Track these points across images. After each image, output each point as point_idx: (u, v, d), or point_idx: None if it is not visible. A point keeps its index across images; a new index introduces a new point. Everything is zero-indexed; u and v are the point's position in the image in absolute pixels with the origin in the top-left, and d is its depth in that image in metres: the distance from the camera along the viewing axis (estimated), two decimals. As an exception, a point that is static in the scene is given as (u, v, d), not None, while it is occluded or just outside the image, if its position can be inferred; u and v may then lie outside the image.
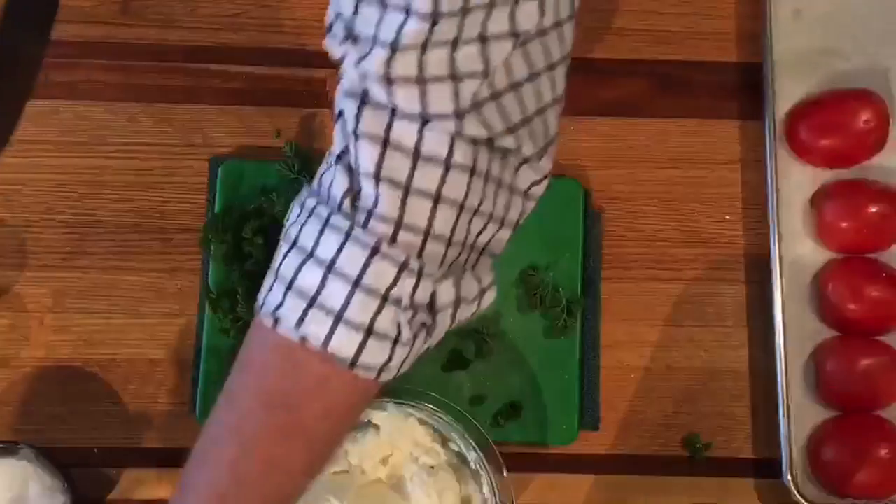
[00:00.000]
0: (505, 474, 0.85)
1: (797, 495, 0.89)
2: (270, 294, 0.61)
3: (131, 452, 0.92)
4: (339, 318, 0.59)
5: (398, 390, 0.89)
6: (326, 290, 0.59)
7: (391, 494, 0.84)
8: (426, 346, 0.63)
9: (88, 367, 0.93)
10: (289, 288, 0.60)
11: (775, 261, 0.93)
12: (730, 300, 0.96)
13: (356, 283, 0.59)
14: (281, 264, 0.62)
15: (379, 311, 0.59)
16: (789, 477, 0.90)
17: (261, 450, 0.61)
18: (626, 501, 0.93)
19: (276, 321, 0.60)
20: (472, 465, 0.86)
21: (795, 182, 0.97)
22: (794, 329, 0.93)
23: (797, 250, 0.95)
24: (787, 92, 0.98)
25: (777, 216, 0.94)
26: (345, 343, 0.59)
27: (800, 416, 0.92)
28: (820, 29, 1.00)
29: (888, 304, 0.92)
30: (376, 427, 0.86)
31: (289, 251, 0.62)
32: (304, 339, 0.60)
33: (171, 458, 0.91)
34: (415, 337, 0.61)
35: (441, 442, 0.86)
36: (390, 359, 0.61)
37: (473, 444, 0.85)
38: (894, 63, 0.99)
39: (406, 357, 0.62)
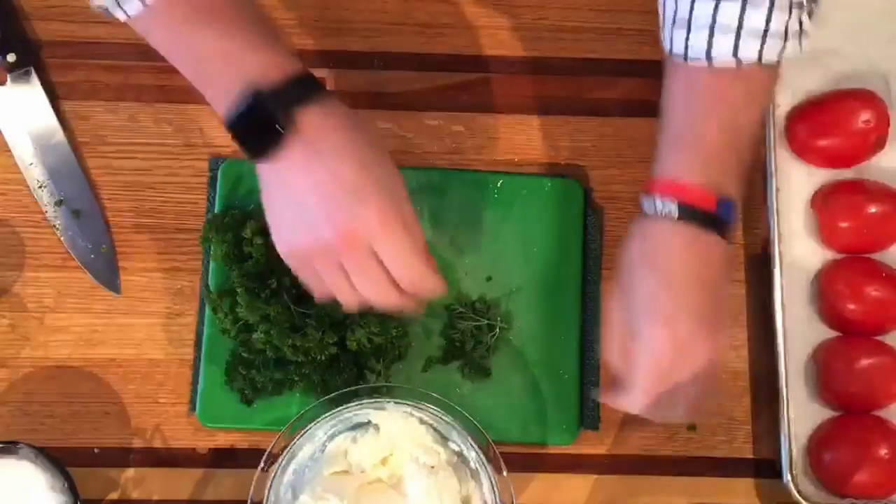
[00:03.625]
0: (505, 474, 0.85)
1: (797, 495, 0.89)
2: (693, 43, 0.79)
3: (131, 452, 0.92)
4: (765, 34, 0.78)
5: (398, 390, 0.89)
6: (746, 18, 0.78)
7: (391, 494, 0.84)
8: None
9: (88, 367, 0.93)
10: (711, 30, 0.78)
11: (775, 261, 0.93)
12: (730, 300, 0.96)
13: (771, 4, 0.78)
14: (692, 14, 0.79)
15: (789, 17, 0.78)
16: (789, 477, 0.90)
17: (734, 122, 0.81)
18: (626, 501, 0.93)
19: (710, 60, 0.79)
20: (472, 464, 0.86)
21: (795, 182, 0.97)
22: (794, 329, 0.93)
23: (797, 250, 0.95)
24: (787, 92, 0.98)
25: (777, 216, 0.94)
26: (772, 51, 0.79)
27: (800, 416, 0.92)
28: (820, 29, 0.99)
29: (888, 304, 0.92)
30: (376, 427, 0.86)
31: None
32: (739, 61, 0.79)
33: (171, 458, 0.92)
34: (805, 24, 0.80)
35: (441, 442, 0.86)
36: (798, 46, 0.80)
37: (473, 443, 0.85)
38: (894, 64, 0.99)
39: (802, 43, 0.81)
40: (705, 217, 0.79)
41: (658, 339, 0.79)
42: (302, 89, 0.76)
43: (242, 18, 0.77)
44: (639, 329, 0.79)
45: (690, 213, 0.79)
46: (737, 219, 0.83)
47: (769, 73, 0.82)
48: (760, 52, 0.78)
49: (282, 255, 0.80)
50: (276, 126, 0.75)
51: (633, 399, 0.80)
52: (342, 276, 0.78)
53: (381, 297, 0.79)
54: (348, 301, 0.80)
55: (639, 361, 0.79)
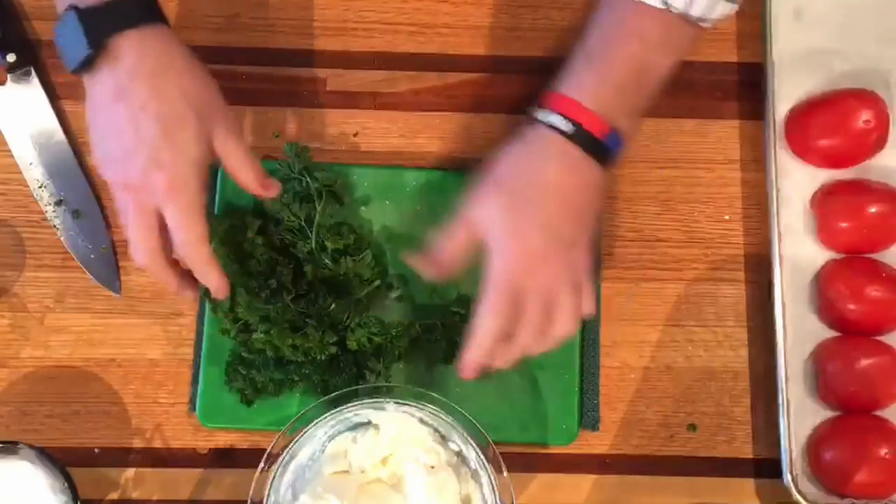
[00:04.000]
0: (505, 474, 0.85)
1: (797, 495, 0.89)
2: None
3: (131, 452, 0.92)
4: None
5: (398, 390, 0.89)
6: None
7: (391, 494, 0.84)
8: None
9: (88, 367, 0.93)
10: None
11: (775, 261, 0.94)
12: (730, 300, 0.96)
13: None
14: None
15: None
16: (789, 477, 0.90)
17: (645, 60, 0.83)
18: (626, 501, 0.93)
19: None
20: (472, 464, 0.86)
21: (795, 182, 0.97)
22: (794, 329, 0.93)
23: (797, 250, 0.95)
24: (787, 92, 0.98)
25: (777, 216, 0.94)
26: (699, 5, 0.81)
27: (800, 416, 0.92)
28: (820, 29, 1.00)
29: (888, 304, 0.92)
30: (376, 427, 0.86)
31: None
32: (667, 5, 0.81)
33: (171, 458, 0.92)
34: None
35: (441, 442, 0.86)
36: (726, 12, 0.83)
37: (473, 444, 0.85)
38: (894, 64, 0.99)
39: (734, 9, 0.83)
40: (591, 141, 0.81)
41: (509, 250, 0.79)
42: (126, 13, 0.76)
43: None
44: (495, 239, 0.79)
45: (578, 133, 0.80)
46: (621, 155, 0.84)
47: (692, 30, 0.84)
48: (689, 1, 0.81)
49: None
50: (85, 47, 0.75)
51: (481, 317, 0.79)
52: (124, 215, 0.79)
53: (143, 255, 0.79)
54: (131, 250, 0.80)
55: (487, 272, 0.80)
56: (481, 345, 0.80)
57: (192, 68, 0.79)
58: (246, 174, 0.82)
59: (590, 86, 0.82)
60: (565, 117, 0.81)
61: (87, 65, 0.76)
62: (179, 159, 0.76)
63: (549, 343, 0.82)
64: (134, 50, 0.76)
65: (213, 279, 0.82)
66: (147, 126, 0.76)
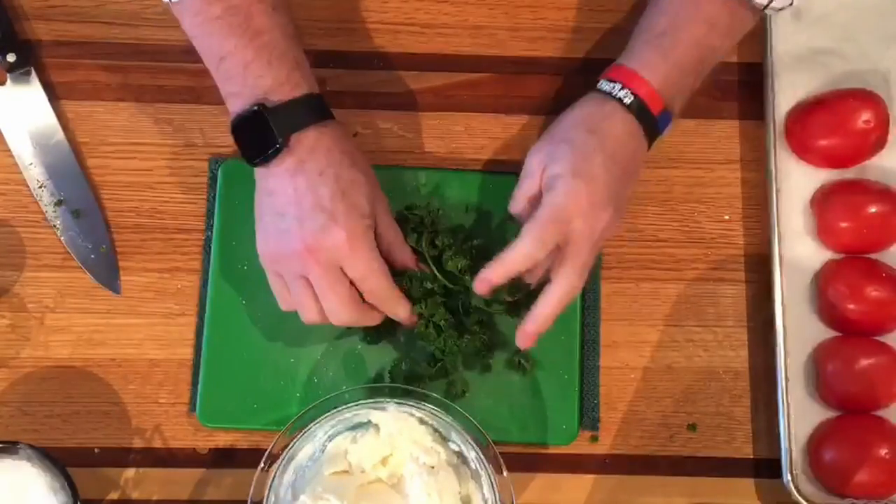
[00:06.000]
0: (505, 474, 0.85)
1: (797, 495, 0.89)
2: None
3: (131, 452, 0.92)
4: None
5: (398, 390, 0.89)
6: None
7: (391, 494, 0.84)
8: None
9: (88, 367, 0.93)
10: None
11: (775, 261, 0.94)
12: (730, 300, 0.96)
13: None
14: None
15: None
16: (789, 477, 0.90)
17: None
18: (626, 501, 0.93)
19: None
20: (472, 464, 0.86)
21: (795, 182, 0.97)
22: (794, 329, 0.93)
23: (797, 250, 0.95)
24: (787, 92, 0.98)
25: (777, 216, 0.95)
26: None
27: (800, 416, 0.92)
28: (820, 29, 1.00)
29: (888, 304, 0.92)
30: (376, 427, 0.86)
31: None
32: None
33: (171, 459, 0.92)
34: None
35: (441, 442, 0.86)
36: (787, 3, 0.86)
37: (473, 444, 0.85)
38: (894, 63, 0.99)
39: None
40: (647, 115, 0.86)
41: (574, 190, 0.82)
42: (303, 111, 0.84)
43: (270, 29, 0.83)
44: (559, 177, 0.83)
45: (638, 107, 0.86)
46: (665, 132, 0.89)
47: (751, 16, 0.89)
48: None
49: (261, 260, 0.86)
50: (273, 142, 0.82)
51: (523, 238, 0.82)
52: (307, 288, 0.84)
53: (342, 311, 0.84)
54: (308, 314, 0.85)
55: (543, 204, 0.82)
56: (507, 265, 0.83)
57: (361, 155, 0.87)
58: (403, 252, 0.88)
59: (654, 64, 0.86)
60: (627, 88, 0.85)
61: (269, 157, 0.83)
62: (353, 215, 0.82)
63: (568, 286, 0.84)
64: (312, 136, 0.83)
65: (404, 314, 0.87)
66: (325, 188, 0.82)
